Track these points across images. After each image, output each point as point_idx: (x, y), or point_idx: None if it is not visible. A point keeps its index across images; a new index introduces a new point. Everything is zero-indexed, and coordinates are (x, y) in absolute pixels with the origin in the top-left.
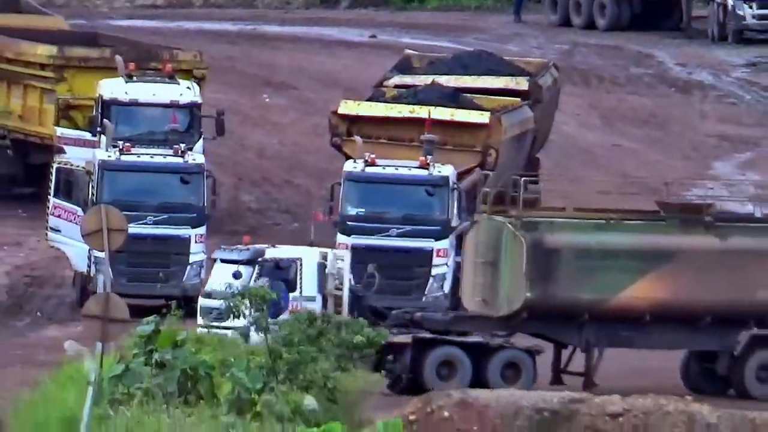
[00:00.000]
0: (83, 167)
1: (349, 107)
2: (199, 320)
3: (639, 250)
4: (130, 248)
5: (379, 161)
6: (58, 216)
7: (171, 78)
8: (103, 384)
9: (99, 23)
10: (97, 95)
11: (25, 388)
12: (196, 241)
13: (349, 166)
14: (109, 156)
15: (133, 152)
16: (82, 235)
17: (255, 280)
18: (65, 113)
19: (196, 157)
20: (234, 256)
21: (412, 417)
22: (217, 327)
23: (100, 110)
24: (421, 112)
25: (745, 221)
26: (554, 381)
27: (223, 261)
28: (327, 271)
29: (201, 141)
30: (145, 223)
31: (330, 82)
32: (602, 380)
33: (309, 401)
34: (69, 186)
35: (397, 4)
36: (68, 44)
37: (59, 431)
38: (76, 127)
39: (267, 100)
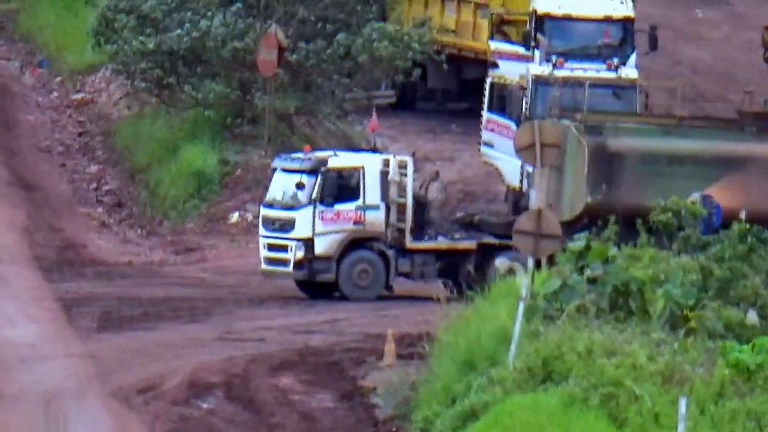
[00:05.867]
0: (517, 81)
1: None
2: (261, 230)
3: (707, 157)
4: None
5: None
6: (491, 130)
7: None
8: (537, 300)
9: None
10: (531, 9)
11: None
12: None
13: None
14: (542, 70)
15: (566, 66)
16: (516, 150)
17: (318, 190)
18: (499, 27)
19: (629, 71)
20: (296, 165)
21: None
22: (279, 237)
23: (533, 24)
24: None
25: None
26: None
27: (285, 170)
28: (389, 178)
29: (634, 55)
30: None
31: None
32: None
33: (752, 314)
34: (502, 100)
35: None
36: None
37: (491, 346)
38: (510, 42)
39: (700, 14)
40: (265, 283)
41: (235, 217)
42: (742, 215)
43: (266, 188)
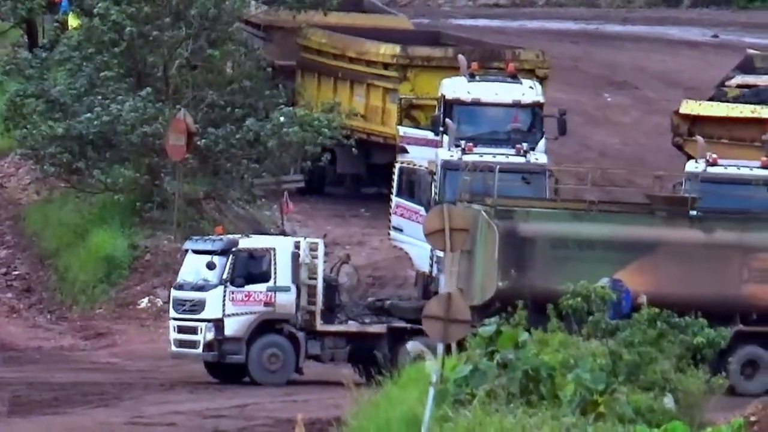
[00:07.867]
0: (426, 167)
1: (690, 107)
2: (171, 312)
3: (618, 241)
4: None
5: (720, 161)
6: (401, 215)
7: (513, 77)
8: (448, 385)
9: (441, 22)
10: (440, 95)
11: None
12: None
13: (690, 166)
14: (451, 155)
15: (475, 152)
16: (425, 235)
17: (229, 271)
18: (408, 112)
19: (538, 156)
20: (207, 247)
21: (753, 418)
22: (189, 319)
23: (442, 109)
24: (764, 112)
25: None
26: None
27: (195, 252)
28: (300, 260)
29: (543, 140)
30: None
31: (671, 82)
32: None
33: (668, 400)
34: (411, 185)
35: (739, 4)
36: (411, 43)
37: (401, 431)
38: (419, 127)
39: (609, 99)
40: (175, 368)
41: (144, 302)
42: (643, 300)
43: (176, 273)
